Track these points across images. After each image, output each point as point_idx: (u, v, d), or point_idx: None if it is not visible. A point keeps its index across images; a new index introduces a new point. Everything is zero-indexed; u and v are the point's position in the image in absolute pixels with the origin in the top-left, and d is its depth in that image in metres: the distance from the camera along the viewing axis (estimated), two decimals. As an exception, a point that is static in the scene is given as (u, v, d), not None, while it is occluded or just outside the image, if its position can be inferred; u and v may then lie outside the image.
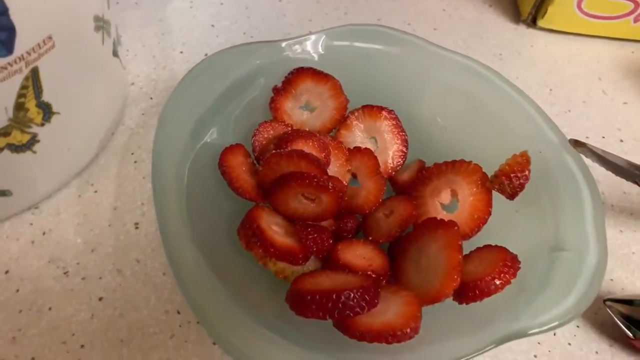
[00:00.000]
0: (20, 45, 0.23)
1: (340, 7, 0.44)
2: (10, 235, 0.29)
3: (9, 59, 0.23)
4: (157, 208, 0.25)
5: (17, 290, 0.28)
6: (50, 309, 0.27)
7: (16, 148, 0.26)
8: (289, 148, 0.28)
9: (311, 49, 0.32)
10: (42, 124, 0.26)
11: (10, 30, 0.22)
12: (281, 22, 0.42)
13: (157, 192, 0.25)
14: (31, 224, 0.30)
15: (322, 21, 0.42)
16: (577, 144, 0.29)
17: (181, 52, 0.39)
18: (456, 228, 0.26)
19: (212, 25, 0.41)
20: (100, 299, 0.28)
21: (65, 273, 0.28)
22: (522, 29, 0.45)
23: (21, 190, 0.28)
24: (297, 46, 0.31)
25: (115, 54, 0.31)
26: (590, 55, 0.43)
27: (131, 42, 0.39)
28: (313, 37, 0.32)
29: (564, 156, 0.28)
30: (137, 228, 0.30)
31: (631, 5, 0.41)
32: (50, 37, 0.24)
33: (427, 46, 0.32)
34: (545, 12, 0.42)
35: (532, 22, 0.44)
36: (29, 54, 0.23)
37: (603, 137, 0.38)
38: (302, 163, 0.27)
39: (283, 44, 0.31)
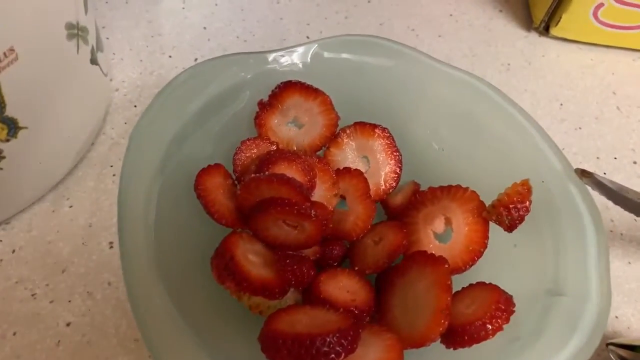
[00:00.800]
0: (-23, 59, 0.21)
1: (340, 10, 0.41)
2: (-23, 252, 0.28)
3: (-35, 74, 0.21)
4: (120, 235, 0.23)
5: (-19, 313, 0.26)
6: (14, 334, 0.26)
7: (-21, 165, 0.24)
8: (271, 170, 0.26)
9: (301, 60, 0.30)
10: (7, 140, 0.25)
11: (-36, 44, 0.20)
12: (278, 25, 0.40)
13: (122, 216, 0.23)
14: (0, 240, 0.28)
15: (321, 26, 0.40)
16: (583, 174, 0.26)
17: (170, 57, 0.37)
18: (447, 266, 0.24)
19: (204, 28, 0.39)
20: (68, 324, 0.26)
21: (32, 295, 0.27)
22: (533, 37, 0.42)
23: (-12, 207, 0.27)
24: (286, 57, 0.29)
25: (93, 61, 0.30)
26: (605, 67, 0.41)
27: (118, 45, 0.37)
28: (303, 48, 0.29)
29: (568, 187, 0.26)
30: (111, 247, 0.29)
31: (652, 15, 0.39)
32: (12, 49, 0.23)
33: (426, 60, 0.29)
34: (559, 20, 0.40)
35: (545, 30, 0.41)
36: (-13, 68, 0.22)
37: (615, 159, 0.36)
38: (282, 188, 0.25)
39: (270, 56, 0.29)
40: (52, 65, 0.26)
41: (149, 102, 0.34)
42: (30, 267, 0.28)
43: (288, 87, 0.29)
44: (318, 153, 0.30)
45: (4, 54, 0.22)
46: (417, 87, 0.29)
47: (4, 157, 0.25)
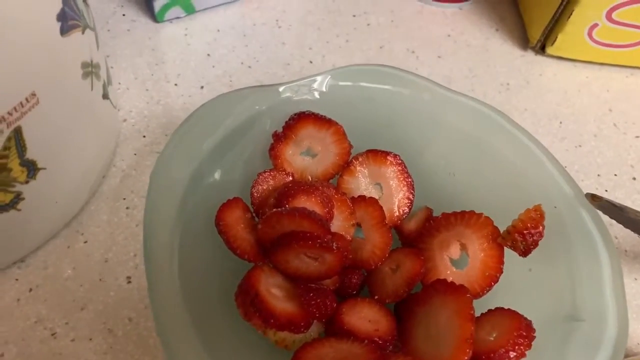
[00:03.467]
0: (1, 106, 0.21)
1: (341, 34, 0.42)
2: (-6, 292, 0.28)
3: (-11, 122, 0.21)
4: (148, 273, 0.23)
5: (2, 355, 0.26)
6: (36, 375, 0.26)
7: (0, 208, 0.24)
8: (291, 203, 0.26)
9: (313, 91, 0.30)
10: (27, 182, 0.25)
11: (-11, 93, 0.20)
12: (280, 50, 0.40)
13: (148, 255, 0.24)
14: (17, 279, 0.28)
15: (323, 49, 0.41)
16: (593, 198, 0.27)
17: (175, 85, 0.37)
18: (468, 295, 0.24)
19: (208, 55, 0.39)
20: (90, 363, 0.26)
21: (53, 335, 0.27)
22: (530, 56, 0.43)
23: (5, 247, 0.27)
24: (298, 89, 0.30)
25: (105, 96, 0.30)
26: (600, 84, 0.42)
27: (123, 74, 0.37)
28: (315, 78, 0.30)
29: (580, 211, 0.27)
30: (129, 282, 0.29)
31: (643, 34, 0.40)
32: (33, 94, 0.23)
33: (437, 89, 0.30)
34: (555, 40, 0.41)
35: (541, 49, 0.42)
36: (10, 114, 0.22)
37: (615, 175, 0.37)
38: (304, 222, 0.25)
39: (283, 87, 0.30)
40: (69, 105, 0.26)
41: (158, 131, 0.34)
42: (48, 305, 0.28)
43: (302, 118, 0.29)
44: (331, 181, 0.30)
45: (26, 99, 0.22)
46: (430, 115, 0.30)
47: (23, 199, 0.25)
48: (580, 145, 0.38)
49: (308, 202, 0.26)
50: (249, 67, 0.39)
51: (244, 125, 0.29)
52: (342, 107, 0.30)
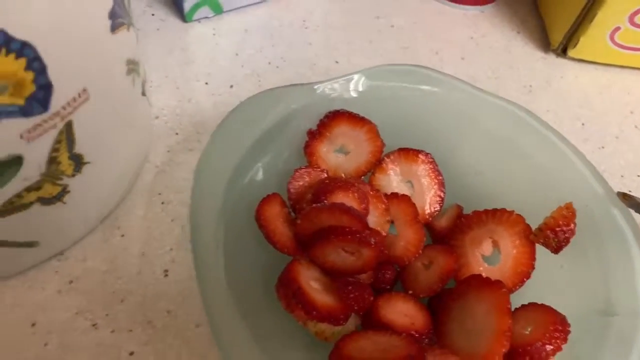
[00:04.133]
0: (56, 101, 0.22)
1: (365, 35, 0.43)
2: (34, 284, 0.28)
3: (45, 116, 0.22)
4: (196, 266, 0.24)
5: (46, 345, 0.27)
6: (79, 365, 0.26)
7: (46, 201, 0.25)
8: (328, 199, 0.27)
9: (347, 89, 0.31)
10: (73, 175, 0.25)
11: (48, 87, 0.21)
12: (307, 50, 0.41)
13: (196, 248, 0.24)
14: (57, 271, 0.29)
15: (348, 50, 0.41)
16: (625, 197, 0.28)
17: (206, 84, 0.38)
18: (504, 290, 0.25)
19: (237, 54, 0.40)
20: (131, 353, 0.27)
21: (93, 325, 0.27)
22: (551, 58, 0.44)
23: (48, 240, 0.27)
24: (332, 88, 0.30)
25: (143, 93, 0.30)
26: (621, 86, 0.42)
27: (154, 73, 0.38)
28: (352, 77, 0.31)
29: (611, 210, 0.27)
30: (166, 275, 0.29)
31: (665, 37, 0.41)
32: (85, 90, 0.23)
33: (467, 88, 0.31)
34: (577, 43, 0.42)
35: (562, 52, 0.43)
36: (64, 108, 0.22)
37: (638, 176, 0.37)
38: (343, 217, 0.26)
39: (317, 86, 0.30)
40: (115, 101, 0.26)
41: (190, 129, 0.35)
42: (88, 297, 0.28)
43: (336, 117, 0.30)
44: (363, 178, 0.31)
45: (78, 94, 0.23)
46: (460, 114, 0.31)
47: (68, 192, 0.26)
48: (603, 147, 0.39)
49: (345, 198, 0.27)
50: (277, 67, 0.40)
51: (281, 123, 0.29)
52: (375, 106, 0.31)
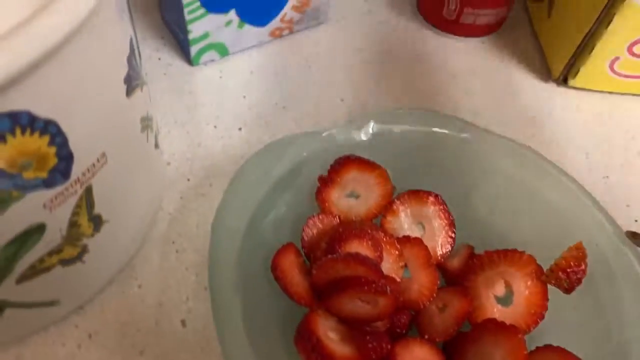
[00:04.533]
0: (77, 169, 0.22)
1: (369, 72, 0.43)
2: (56, 340, 0.29)
3: (66, 184, 0.22)
4: (215, 317, 0.24)
5: (67, 402, 0.27)
6: (102, 422, 0.27)
7: (67, 262, 0.25)
8: (343, 248, 0.27)
9: (357, 134, 0.31)
10: (92, 235, 0.26)
11: (69, 158, 0.22)
12: (312, 90, 0.41)
13: (215, 299, 0.25)
14: (76, 326, 0.29)
15: (353, 87, 0.42)
16: (634, 236, 0.28)
17: (215, 127, 0.38)
18: (521, 336, 0.25)
19: (244, 97, 0.40)
20: (152, 407, 0.27)
21: (114, 380, 0.28)
22: (552, 88, 0.44)
23: (69, 297, 0.28)
24: (341, 133, 0.31)
25: (157, 145, 0.31)
26: (622, 113, 0.43)
27: (163, 118, 0.38)
28: (360, 122, 0.31)
29: (622, 248, 0.28)
30: (184, 326, 0.30)
31: (663, 65, 0.41)
32: (103, 154, 0.24)
33: (478, 132, 0.31)
34: (577, 72, 0.42)
35: (563, 81, 0.44)
36: (84, 175, 0.23)
37: (644, 205, 0.38)
38: (359, 268, 0.26)
39: (326, 133, 0.31)
40: (131, 160, 0.27)
41: (202, 174, 0.36)
42: (108, 351, 0.29)
43: (346, 163, 0.30)
44: (374, 221, 0.31)
45: (97, 159, 0.23)
46: (470, 156, 0.31)
47: (87, 252, 0.26)
48: (607, 177, 0.39)
49: (360, 247, 0.27)
50: (284, 107, 0.40)
51: (293, 171, 0.30)
52: (384, 150, 0.31)
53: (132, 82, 0.25)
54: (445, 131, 0.31)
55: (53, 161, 0.21)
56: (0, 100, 0.17)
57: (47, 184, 0.21)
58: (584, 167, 0.39)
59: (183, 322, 0.30)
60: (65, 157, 0.21)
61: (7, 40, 0.17)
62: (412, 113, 0.32)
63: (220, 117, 0.39)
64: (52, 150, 0.21)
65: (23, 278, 0.24)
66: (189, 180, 0.35)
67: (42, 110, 0.19)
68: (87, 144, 0.22)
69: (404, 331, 0.29)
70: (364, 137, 0.32)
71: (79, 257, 0.26)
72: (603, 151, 0.41)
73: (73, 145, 0.21)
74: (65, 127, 0.21)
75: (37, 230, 0.22)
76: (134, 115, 0.26)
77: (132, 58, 0.25)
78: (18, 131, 0.19)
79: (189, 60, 0.41)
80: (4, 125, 0.18)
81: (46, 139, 0.20)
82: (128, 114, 0.25)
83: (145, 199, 0.30)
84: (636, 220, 0.37)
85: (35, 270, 0.24)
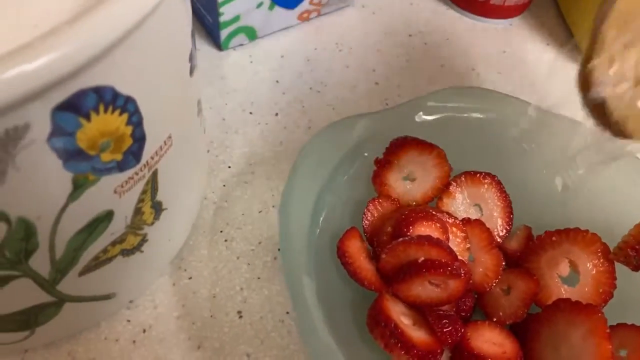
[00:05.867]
0: (147, 152, 0.21)
1: (401, 54, 0.42)
2: (108, 336, 0.27)
3: (136, 168, 0.21)
4: (295, 304, 0.24)
5: (127, 400, 0.26)
6: (165, 419, 0.25)
7: (127, 252, 0.24)
8: (412, 231, 0.26)
9: (410, 115, 0.30)
10: (152, 223, 0.25)
11: (142, 140, 0.20)
12: (345, 73, 0.40)
13: (293, 286, 0.24)
14: (129, 320, 0.28)
15: (386, 70, 0.41)
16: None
17: (251, 113, 0.37)
18: (601, 314, 0.24)
19: (277, 81, 0.39)
20: (216, 402, 0.26)
21: (174, 376, 0.26)
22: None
23: (124, 290, 0.26)
24: (395, 114, 0.30)
25: (204, 130, 0.30)
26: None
27: (197, 105, 0.37)
28: (413, 103, 0.30)
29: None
30: (240, 317, 0.29)
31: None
32: (169, 137, 0.22)
33: (532, 109, 0.30)
34: (610, 52, 0.42)
35: (595, 61, 0.43)
36: (152, 158, 0.22)
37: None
38: (432, 250, 0.25)
39: (378, 115, 0.30)
40: (190, 144, 0.25)
41: (242, 161, 0.34)
42: (164, 346, 0.27)
43: (404, 144, 0.29)
44: (430, 204, 0.31)
45: (164, 142, 0.22)
46: (524, 135, 0.31)
47: (147, 241, 0.25)
48: (648, 155, 0.39)
49: (428, 229, 0.27)
50: (318, 91, 0.39)
51: (348, 156, 0.29)
52: (438, 130, 0.30)
53: (193, 61, 0.24)
54: (501, 109, 0.30)
55: (128, 142, 0.20)
56: (87, 75, 0.16)
57: (121, 167, 0.20)
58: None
59: (239, 314, 0.29)
60: (139, 139, 0.20)
61: (96, 15, 0.15)
62: (467, 91, 0.31)
63: (255, 102, 0.38)
64: (129, 130, 0.19)
65: (86, 270, 0.22)
66: (229, 167, 0.34)
67: (123, 87, 0.18)
68: (157, 125, 0.21)
69: (468, 314, 0.28)
70: (417, 119, 0.31)
71: (138, 247, 0.24)
72: (640, 130, 0.40)
73: (147, 125, 0.20)
74: (141, 106, 0.19)
75: (106, 217, 0.21)
76: (194, 96, 0.25)
77: (193, 35, 0.24)
78: (101, 108, 0.17)
79: (218, 44, 0.40)
80: (90, 101, 0.17)
81: (125, 117, 0.19)
82: (190, 94, 0.24)
83: (195, 186, 0.29)
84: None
85: (98, 262, 0.23)
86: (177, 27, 0.21)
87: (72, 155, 0.17)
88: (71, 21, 0.15)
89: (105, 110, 0.18)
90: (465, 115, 0.31)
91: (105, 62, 0.17)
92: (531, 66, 0.43)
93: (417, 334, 0.25)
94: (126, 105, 0.18)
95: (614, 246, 0.27)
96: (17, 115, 0.15)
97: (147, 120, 0.20)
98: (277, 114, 0.37)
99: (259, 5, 0.39)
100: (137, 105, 0.19)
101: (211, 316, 0.28)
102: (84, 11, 0.15)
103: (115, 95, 0.18)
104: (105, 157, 0.19)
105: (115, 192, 0.21)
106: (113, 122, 0.18)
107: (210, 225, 0.31)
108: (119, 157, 0.19)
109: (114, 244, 0.23)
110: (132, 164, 0.20)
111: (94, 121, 0.17)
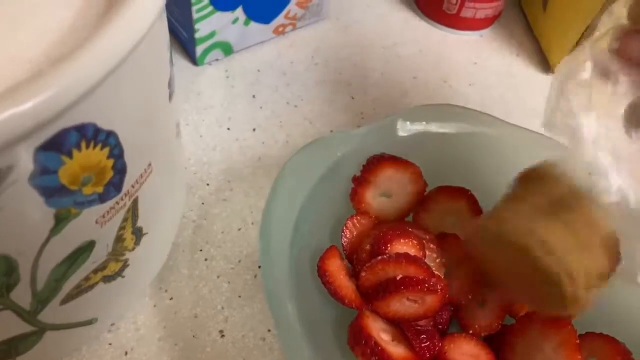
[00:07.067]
0: (128, 181, 0.21)
1: (375, 67, 0.43)
2: (90, 360, 0.27)
3: (117, 198, 0.21)
4: (277, 324, 0.24)
5: None
6: None
7: (109, 278, 0.24)
8: (390, 249, 0.27)
9: (386, 133, 0.31)
10: (133, 249, 0.25)
11: (123, 170, 0.20)
12: (322, 87, 0.41)
13: (273, 307, 0.24)
14: (110, 344, 0.28)
15: (362, 83, 0.42)
16: None
17: (228, 129, 0.37)
18: (571, 326, 0.26)
19: (254, 96, 0.39)
20: (200, 423, 0.26)
21: (157, 398, 0.27)
22: (551, 78, 0.45)
23: (106, 314, 0.26)
24: (372, 131, 0.31)
25: (182, 149, 0.30)
26: (619, 103, 0.44)
27: (174, 121, 0.37)
28: (389, 120, 0.31)
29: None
30: (222, 336, 0.29)
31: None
32: (149, 164, 0.23)
33: (504, 125, 0.31)
34: (576, 64, 0.43)
35: (562, 73, 0.45)
36: (133, 186, 0.22)
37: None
38: (410, 268, 0.26)
39: (355, 132, 0.30)
40: (169, 167, 0.26)
41: (220, 177, 0.35)
42: (147, 368, 0.27)
43: (381, 162, 0.30)
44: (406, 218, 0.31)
45: (145, 170, 0.22)
46: (499, 151, 0.32)
47: (128, 266, 0.25)
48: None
49: (405, 246, 0.27)
50: (295, 106, 0.39)
51: (326, 175, 0.29)
52: (413, 147, 0.31)
53: (172, 86, 0.24)
54: (475, 126, 0.31)
55: (110, 174, 0.20)
56: (70, 114, 0.16)
57: (102, 198, 0.20)
58: (590, 155, 0.41)
59: (221, 333, 0.29)
60: (120, 170, 0.20)
61: (81, 57, 0.16)
62: (439, 109, 0.32)
63: (232, 118, 0.38)
64: (110, 162, 0.19)
65: (68, 299, 0.22)
66: (208, 185, 0.34)
67: (105, 122, 0.18)
68: (138, 154, 0.21)
69: (445, 327, 0.29)
70: (393, 136, 0.31)
71: (119, 272, 0.25)
72: (605, 140, 0.42)
73: (127, 156, 0.20)
74: (122, 138, 0.19)
75: (88, 247, 0.21)
76: (172, 120, 0.25)
77: (171, 60, 0.24)
78: (83, 145, 0.17)
79: (194, 60, 0.40)
80: (72, 139, 0.17)
81: (106, 151, 0.19)
82: (169, 119, 0.24)
83: (174, 206, 0.29)
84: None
85: (80, 290, 0.23)
86: (157, 56, 0.21)
87: (54, 192, 0.17)
88: (57, 63, 0.15)
89: (87, 146, 0.18)
90: (440, 131, 0.31)
91: (88, 100, 0.17)
92: (501, 77, 0.44)
93: (397, 350, 0.25)
94: (107, 140, 0.19)
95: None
96: (1, 158, 0.15)
97: (128, 151, 0.20)
98: (254, 129, 0.38)
99: (235, 21, 0.39)
100: (119, 138, 0.19)
101: (193, 336, 0.29)
102: (68, 53, 0.15)
103: (97, 130, 0.18)
104: (87, 190, 0.19)
105: (96, 222, 0.21)
106: (94, 157, 0.18)
107: (189, 244, 0.32)
108: (100, 189, 0.20)
109: (95, 271, 0.23)
110: (113, 194, 0.21)
111: (75, 158, 0.17)
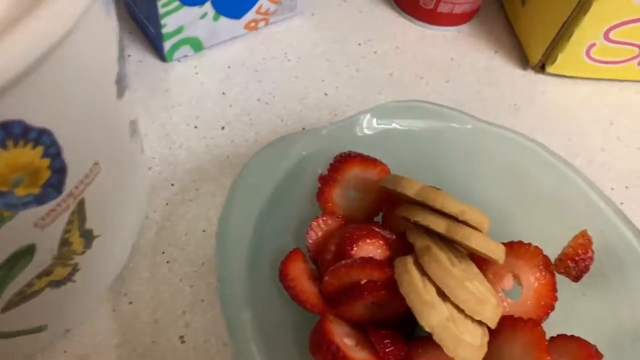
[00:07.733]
0: (70, 182, 0.20)
1: (350, 64, 0.42)
2: (43, 368, 0.26)
3: (59, 199, 0.20)
4: (230, 330, 0.23)
5: None
6: None
7: (57, 283, 0.23)
8: (355, 250, 0.26)
9: (354, 130, 0.30)
10: (83, 252, 0.23)
11: (62, 171, 0.19)
12: (294, 84, 0.40)
13: (228, 315, 0.23)
14: (65, 351, 0.27)
15: (335, 80, 0.41)
16: None
17: (195, 127, 0.36)
18: (539, 328, 0.25)
19: (223, 93, 0.38)
20: None
21: (113, 407, 0.26)
22: (530, 75, 0.44)
23: (57, 321, 0.25)
24: (337, 130, 0.30)
25: (142, 150, 0.29)
26: (599, 98, 0.44)
27: (140, 119, 0.36)
28: (358, 118, 0.30)
29: (625, 233, 0.28)
30: (183, 342, 0.28)
31: (635, 50, 0.42)
32: (96, 163, 0.21)
33: (475, 122, 0.31)
34: (555, 59, 0.43)
35: (541, 68, 0.44)
36: (76, 187, 0.21)
37: (626, 188, 0.39)
38: (374, 273, 0.25)
39: (324, 130, 0.29)
40: (123, 167, 0.24)
41: (186, 178, 0.33)
42: (103, 376, 0.26)
43: (348, 160, 0.29)
44: (375, 218, 0.30)
45: (90, 169, 0.21)
46: (469, 148, 0.31)
47: (78, 270, 0.24)
48: (590, 161, 0.40)
49: (371, 247, 0.26)
50: (266, 103, 0.38)
51: (292, 172, 0.28)
52: (383, 144, 0.30)
53: (122, 83, 0.23)
54: (444, 122, 0.31)
55: (46, 175, 0.19)
56: (-10, 109, 0.15)
57: (39, 200, 0.19)
58: (570, 152, 0.40)
59: (182, 338, 0.28)
60: (59, 170, 0.19)
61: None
62: (409, 105, 0.31)
63: (200, 116, 0.37)
64: (46, 162, 0.18)
65: (10, 305, 0.21)
66: (173, 185, 0.33)
67: (35, 119, 0.17)
68: (80, 154, 0.20)
69: (412, 331, 0.28)
70: (360, 134, 0.30)
71: (69, 277, 0.23)
72: (584, 136, 0.41)
73: (66, 155, 0.19)
74: (59, 136, 0.18)
75: (27, 252, 0.20)
76: (124, 118, 0.24)
77: (121, 57, 0.23)
78: (10, 143, 0.16)
79: (162, 56, 0.39)
80: (-5, 137, 0.16)
81: (39, 150, 0.18)
82: (119, 117, 0.23)
83: (133, 207, 0.28)
84: (622, 203, 0.38)
85: (23, 296, 0.22)
86: (98, 50, 0.20)
87: (-21, 194, 0.16)
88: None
89: (15, 145, 0.17)
90: (409, 128, 0.31)
91: (11, 95, 0.16)
92: (478, 74, 0.44)
93: (360, 355, 0.24)
94: (40, 138, 0.17)
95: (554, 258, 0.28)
96: None
97: (68, 151, 0.19)
98: (223, 128, 0.37)
99: (203, 16, 0.38)
100: (54, 136, 0.18)
101: (152, 342, 0.28)
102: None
103: (26, 128, 0.17)
104: (20, 191, 0.18)
105: (35, 225, 0.20)
106: (25, 156, 0.17)
107: (151, 247, 0.31)
108: (36, 190, 0.18)
109: (39, 276, 0.22)
110: (53, 196, 0.19)
111: (2, 157, 0.16)
